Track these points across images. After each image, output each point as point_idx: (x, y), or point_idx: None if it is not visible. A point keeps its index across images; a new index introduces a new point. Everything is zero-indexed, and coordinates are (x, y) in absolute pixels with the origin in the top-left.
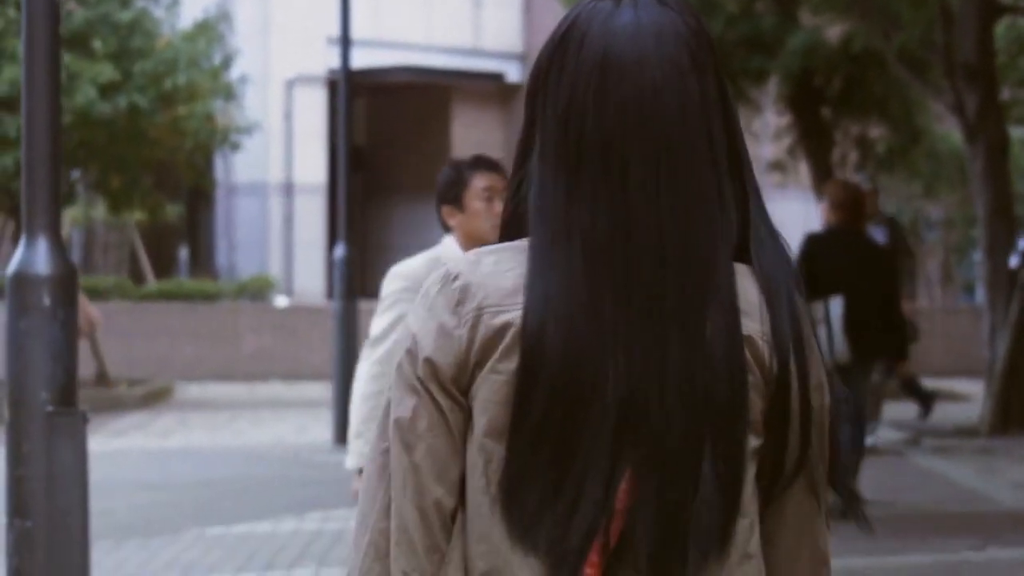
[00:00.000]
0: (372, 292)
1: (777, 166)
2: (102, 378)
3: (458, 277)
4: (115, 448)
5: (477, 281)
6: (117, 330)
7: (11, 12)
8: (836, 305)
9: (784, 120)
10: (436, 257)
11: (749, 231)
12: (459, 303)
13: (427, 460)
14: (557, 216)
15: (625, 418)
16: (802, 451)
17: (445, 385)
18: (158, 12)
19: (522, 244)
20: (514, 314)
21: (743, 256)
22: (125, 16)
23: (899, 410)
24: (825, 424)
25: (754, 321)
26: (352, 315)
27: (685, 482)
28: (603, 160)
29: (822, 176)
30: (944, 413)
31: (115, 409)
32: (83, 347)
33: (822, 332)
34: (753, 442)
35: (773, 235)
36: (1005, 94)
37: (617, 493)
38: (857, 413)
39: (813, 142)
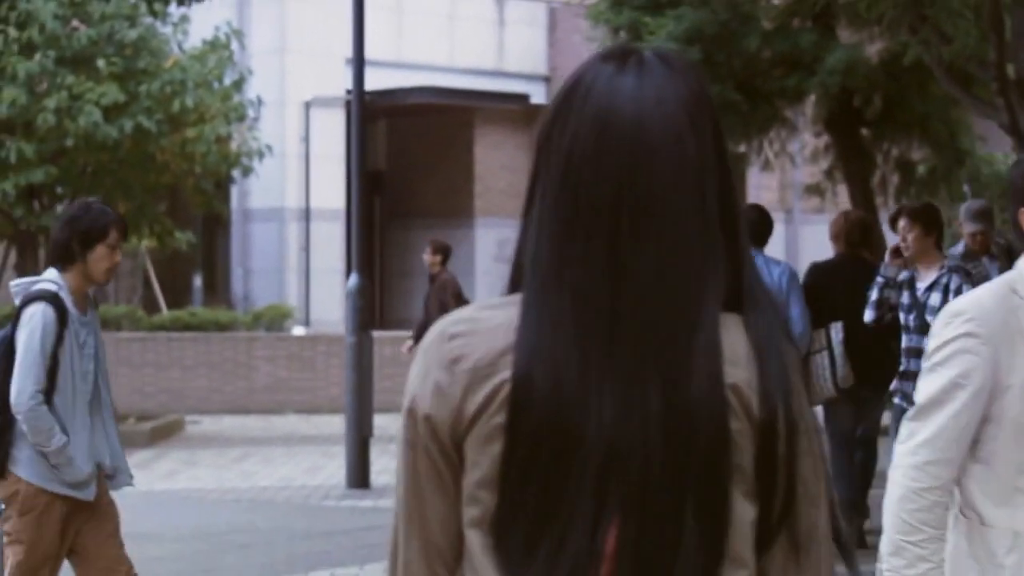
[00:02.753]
0: (392, 322)
1: (815, 190)
2: None
3: (455, 336)
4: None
5: (473, 341)
6: (127, 361)
7: (11, 31)
8: (836, 331)
9: (821, 142)
10: (1010, 285)
11: (742, 290)
12: (453, 362)
13: (431, 515)
14: (552, 263)
15: (608, 463)
16: (787, 501)
17: (443, 442)
18: (165, 30)
19: (517, 298)
20: (505, 374)
21: (736, 311)
22: (131, 34)
23: None
24: (820, 474)
25: (741, 370)
26: (367, 348)
27: (667, 528)
28: (597, 211)
29: (862, 200)
30: None
31: (123, 447)
32: None
33: (825, 358)
34: (744, 489)
35: (765, 292)
36: None
37: (605, 537)
38: (867, 441)
39: (852, 165)
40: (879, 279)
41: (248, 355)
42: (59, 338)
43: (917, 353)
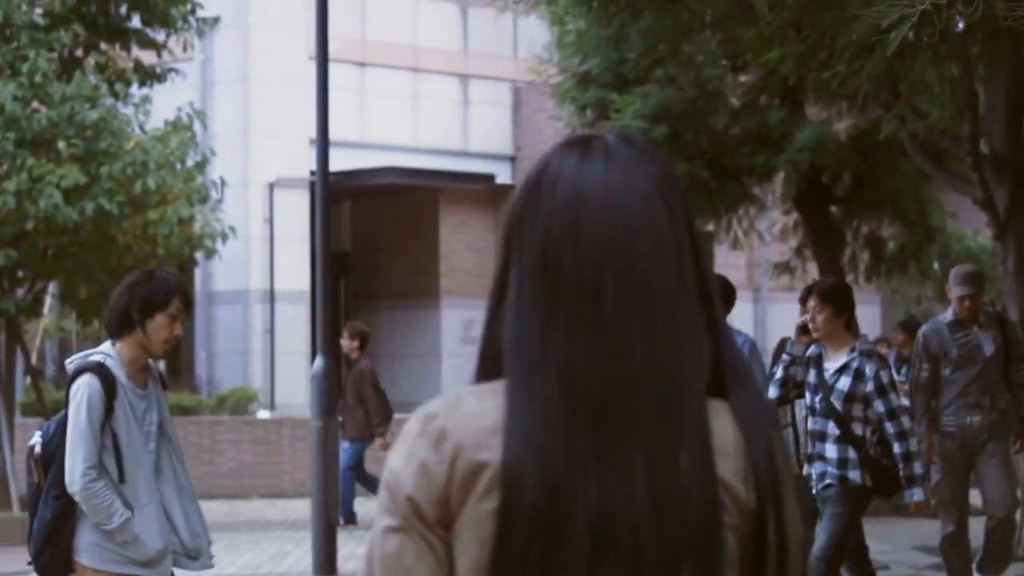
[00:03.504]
0: None
1: (784, 268)
2: None
3: (437, 417)
4: None
5: (456, 421)
6: None
7: None
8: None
9: (790, 219)
10: None
11: (723, 364)
12: (438, 441)
13: None
14: (534, 349)
15: (598, 550)
16: None
17: (428, 523)
18: (127, 111)
19: (499, 385)
20: (492, 453)
21: (718, 390)
22: (92, 115)
23: (925, 531)
24: (800, 558)
25: (729, 460)
26: (333, 432)
27: None
28: (580, 293)
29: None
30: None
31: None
32: None
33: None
34: None
35: (746, 369)
36: None
37: None
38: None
39: (822, 242)
40: (785, 356)
41: (212, 439)
42: (109, 410)
43: (821, 436)
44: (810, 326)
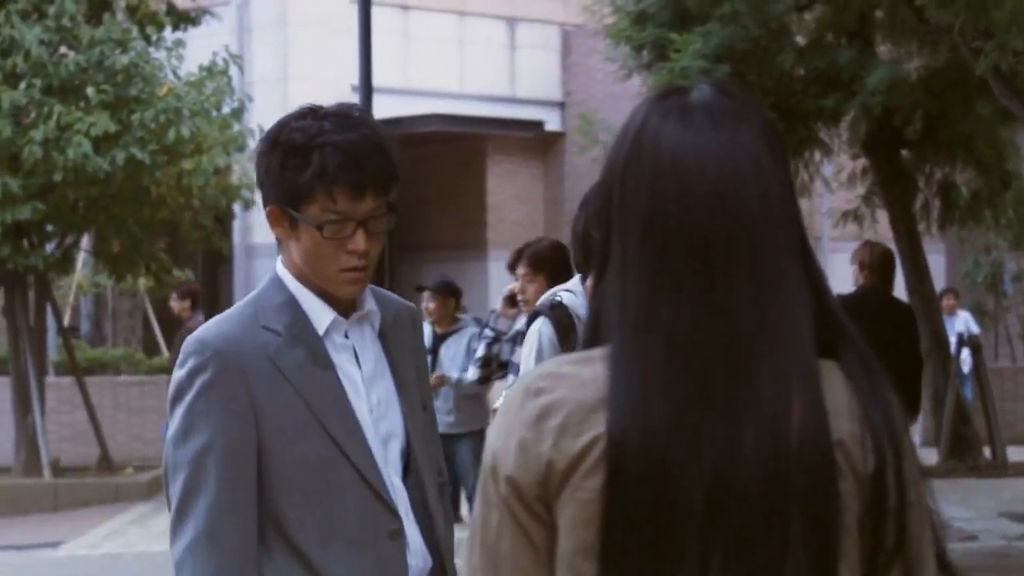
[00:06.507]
0: None
1: (851, 216)
2: (104, 462)
3: (540, 392)
4: (106, 552)
5: (559, 397)
6: (126, 406)
7: None
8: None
9: (858, 165)
10: None
11: (829, 323)
12: (540, 419)
13: None
14: (639, 312)
15: (711, 513)
16: (896, 549)
17: (529, 503)
18: (159, 55)
19: (603, 352)
20: (597, 431)
21: (825, 349)
22: (123, 60)
23: (1007, 494)
24: (925, 521)
25: (844, 421)
26: None
27: None
28: (689, 250)
29: (904, 227)
30: None
31: (118, 500)
32: (85, 428)
33: None
34: (851, 548)
35: (856, 331)
36: None
37: None
38: None
39: (893, 189)
40: (488, 332)
41: None
42: None
43: None
44: (518, 297)
